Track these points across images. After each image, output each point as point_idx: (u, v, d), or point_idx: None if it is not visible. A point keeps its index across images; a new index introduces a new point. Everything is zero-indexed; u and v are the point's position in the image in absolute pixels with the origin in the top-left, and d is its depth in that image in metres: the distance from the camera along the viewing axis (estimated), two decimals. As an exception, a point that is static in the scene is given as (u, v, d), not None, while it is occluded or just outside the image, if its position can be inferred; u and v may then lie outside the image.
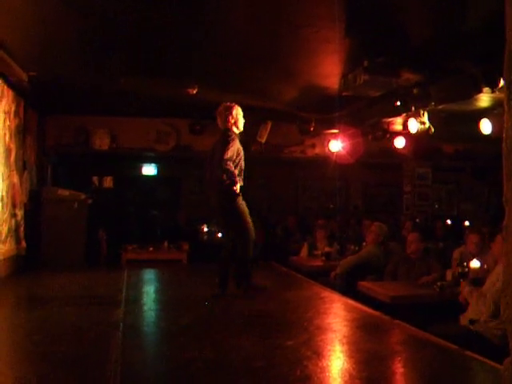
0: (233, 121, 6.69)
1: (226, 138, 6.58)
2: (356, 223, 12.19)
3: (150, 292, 7.75)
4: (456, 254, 7.62)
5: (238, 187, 6.49)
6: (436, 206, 15.01)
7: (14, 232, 8.45)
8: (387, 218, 12.08)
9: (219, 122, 6.79)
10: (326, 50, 6.55)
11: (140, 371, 3.86)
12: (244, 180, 6.72)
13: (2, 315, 6.34)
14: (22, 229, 8.88)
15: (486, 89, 6.39)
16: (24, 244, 8.94)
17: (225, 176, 6.42)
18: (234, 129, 6.72)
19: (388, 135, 10.07)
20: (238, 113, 6.74)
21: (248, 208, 6.62)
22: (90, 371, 3.82)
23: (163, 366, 4.14)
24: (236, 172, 6.48)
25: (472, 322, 5.27)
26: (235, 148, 6.55)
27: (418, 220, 12.14)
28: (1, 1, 5.27)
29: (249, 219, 6.65)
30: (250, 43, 6.47)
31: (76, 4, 5.34)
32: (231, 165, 6.43)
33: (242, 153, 6.70)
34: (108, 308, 5.97)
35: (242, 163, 6.71)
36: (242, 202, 6.62)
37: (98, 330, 5.01)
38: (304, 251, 9.97)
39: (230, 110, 6.71)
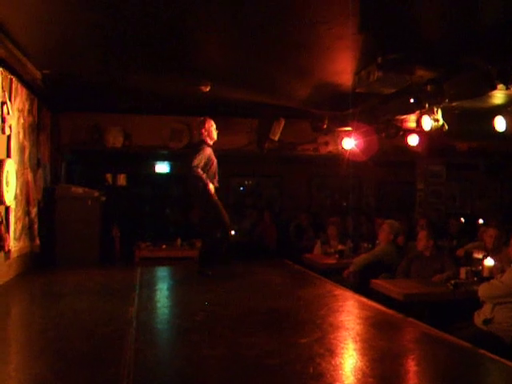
0: (206, 133, 7.85)
1: (197, 147, 7.83)
2: (369, 221, 12.16)
3: (163, 289, 7.76)
4: (469, 246, 7.62)
5: (210, 186, 7.59)
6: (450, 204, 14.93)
7: (28, 229, 8.49)
8: (400, 215, 12.05)
9: (195, 134, 8.28)
10: (340, 47, 6.52)
11: (153, 368, 3.87)
12: (220, 182, 7.95)
13: (16, 312, 6.39)
14: (35, 226, 8.92)
15: (501, 86, 6.34)
16: (38, 241, 8.97)
17: (195, 179, 7.58)
18: (208, 139, 7.86)
19: (401, 132, 10.01)
20: (210, 125, 7.89)
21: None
22: (104, 368, 3.85)
23: (176, 363, 4.16)
24: (205, 176, 7.57)
25: (486, 321, 5.25)
26: (203, 157, 7.65)
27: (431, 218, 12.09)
28: (14, 0, 5.31)
29: (220, 210, 7.77)
30: (263, 40, 6.45)
31: (90, 1, 5.36)
32: (198, 170, 7.54)
33: (213, 159, 7.82)
34: (121, 305, 5.98)
35: (214, 168, 7.82)
36: (214, 200, 7.70)
37: (112, 327, 5.03)
38: (317, 249, 9.96)
39: (202, 124, 7.89)
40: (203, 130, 7.86)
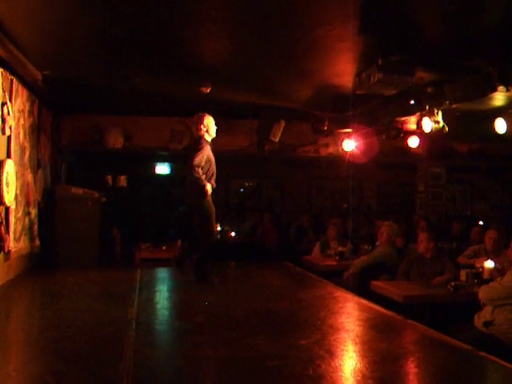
0: (204, 129, 7.51)
1: (197, 145, 7.47)
2: (369, 223, 12.16)
3: (163, 291, 7.76)
4: (469, 251, 7.61)
5: (208, 188, 7.30)
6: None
7: (28, 230, 8.49)
8: (401, 217, 12.05)
9: (194, 130, 7.69)
10: (341, 49, 6.53)
11: (153, 369, 3.87)
12: (217, 182, 7.66)
13: (16, 313, 6.38)
14: (35, 227, 8.93)
15: (501, 87, 6.35)
16: (38, 242, 8.99)
17: (194, 180, 7.27)
18: (206, 136, 7.53)
19: (402, 134, 10.01)
20: (209, 121, 7.54)
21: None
22: (104, 369, 3.84)
23: (176, 363, 4.15)
24: (203, 177, 7.28)
25: (486, 324, 5.24)
26: (204, 155, 7.35)
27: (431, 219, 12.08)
28: (17, 0, 5.32)
29: (213, 217, 7.49)
30: (264, 42, 6.46)
31: (91, 3, 5.36)
32: (199, 170, 7.25)
33: (212, 159, 7.51)
34: (121, 306, 5.97)
35: (213, 168, 7.52)
36: (209, 202, 7.42)
37: (112, 328, 5.02)
38: (316, 250, 9.96)
39: (201, 120, 7.53)
40: (202, 126, 7.51)
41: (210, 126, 7.55)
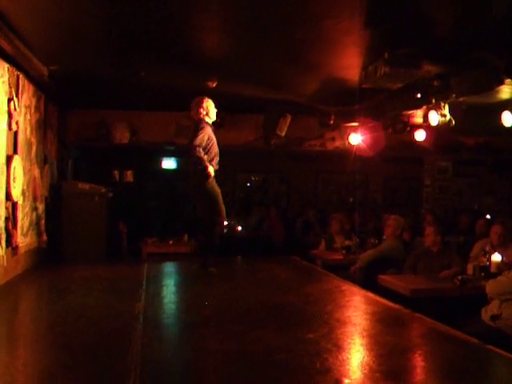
0: (204, 112, 7.40)
1: (196, 126, 7.30)
2: (376, 217, 12.14)
3: (169, 285, 7.78)
4: (476, 248, 7.58)
5: (210, 170, 7.11)
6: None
7: (35, 225, 8.52)
8: (407, 211, 12.03)
9: (193, 114, 7.49)
10: (347, 42, 6.51)
11: (160, 362, 3.88)
12: (216, 175, 7.35)
13: (24, 307, 6.42)
14: (42, 222, 8.96)
15: (508, 80, 6.33)
16: (45, 237, 9.01)
17: (195, 160, 7.11)
18: (207, 119, 7.42)
19: (408, 128, 9.98)
20: (208, 104, 7.45)
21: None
22: (112, 362, 3.86)
23: (183, 357, 4.17)
24: (206, 157, 7.12)
25: (494, 317, 5.24)
26: (205, 135, 7.20)
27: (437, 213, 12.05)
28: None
29: (219, 198, 7.33)
30: (271, 36, 6.44)
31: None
32: (200, 150, 7.08)
33: (214, 139, 7.36)
34: (128, 300, 5.99)
35: (215, 148, 7.35)
36: (213, 183, 7.26)
37: (119, 322, 5.05)
38: (322, 247, 9.96)
39: (200, 103, 7.42)
40: (201, 109, 7.38)
41: (209, 109, 7.45)
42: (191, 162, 7.24)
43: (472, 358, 4.20)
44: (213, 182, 7.25)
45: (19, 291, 6.93)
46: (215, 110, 7.50)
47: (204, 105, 7.41)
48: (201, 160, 7.07)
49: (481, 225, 9.46)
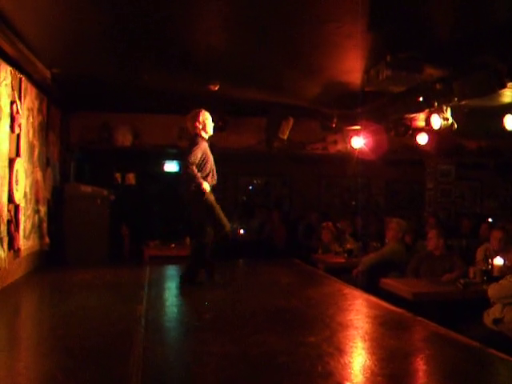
0: (200, 126, 7.14)
1: (192, 142, 7.10)
2: (378, 220, 12.13)
3: (171, 288, 7.77)
4: (479, 253, 7.56)
5: (205, 186, 6.92)
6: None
7: (38, 228, 8.52)
8: (410, 214, 12.01)
9: (189, 127, 7.26)
10: (349, 45, 6.51)
11: (162, 366, 3.88)
12: (218, 178, 7.25)
13: (26, 310, 6.41)
14: (45, 225, 8.97)
15: (511, 84, 6.32)
16: (47, 240, 9.02)
17: (188, 178, 6.95)
18: (203, 133, 7.17)
19: (410, 131, 10.00)
20: (204, 118, 7.17)
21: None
22: (113, 365, 3.86)
23: (185, 360, 4.16)
24: (199, 175, 6.92)
25: (496, 321, 5.23)
26: (199, 152, 7.00)
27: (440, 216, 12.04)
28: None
29: (218, 212, 7.10)
30: (273, 39, 6.45)
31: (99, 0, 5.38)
32: (194, 168, 6.90)
33: (209, 155, 7.15)
34: (130, 304, 5.99)
35: (211, 164, 7.15)
36: (210, 198, 7.04)
37: (121, 326, 5.04)
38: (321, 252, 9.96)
39: (196, 117, 7.16)
40: (197, 124, 7.10)
41: (206, 123, 7.18)
42: (182, 179, 7.21)
43: (474, 361, 4.18)
44: (209, 197, 7.05)
45: (21, 294, 6.93)
46: (212, 124, 7.27)
47: (200, 118, 7.15)
48: (194, 177, 6.90)
49: (485, 228, 9.45)
